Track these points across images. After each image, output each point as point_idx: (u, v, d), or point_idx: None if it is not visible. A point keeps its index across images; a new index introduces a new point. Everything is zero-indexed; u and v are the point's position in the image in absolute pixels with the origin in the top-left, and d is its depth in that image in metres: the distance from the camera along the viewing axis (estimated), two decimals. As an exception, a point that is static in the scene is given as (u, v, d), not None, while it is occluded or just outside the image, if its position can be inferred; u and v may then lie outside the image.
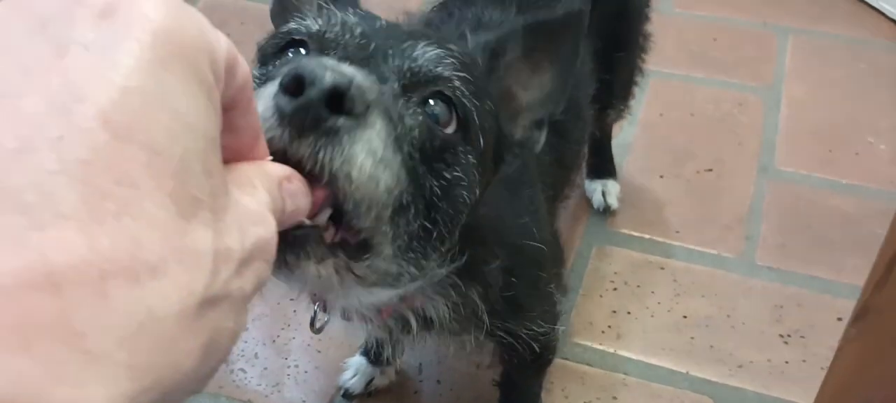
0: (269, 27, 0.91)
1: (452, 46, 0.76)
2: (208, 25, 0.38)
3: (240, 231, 0.37)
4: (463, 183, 0.75)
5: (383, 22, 0.78)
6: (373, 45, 0.72)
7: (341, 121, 0.58)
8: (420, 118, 0.70)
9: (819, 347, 1.49)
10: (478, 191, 0.79)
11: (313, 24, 0.73)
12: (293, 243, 0.61)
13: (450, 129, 0.73)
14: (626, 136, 1.94)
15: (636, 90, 1.62)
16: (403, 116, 0.68)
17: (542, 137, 0.91)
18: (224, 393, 1.44)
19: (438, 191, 0.72)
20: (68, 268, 0.30)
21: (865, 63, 2.18)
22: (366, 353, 1.43)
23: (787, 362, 1.48)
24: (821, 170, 1.87)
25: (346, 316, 0.94)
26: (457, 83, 0.73)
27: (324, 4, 0.83)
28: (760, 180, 1.85)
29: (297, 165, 0.54)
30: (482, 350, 1.12)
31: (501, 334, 1.05)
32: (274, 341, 1.52)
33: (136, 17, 0.35)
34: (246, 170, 0.43)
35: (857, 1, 2.36)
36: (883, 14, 2.32)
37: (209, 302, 0.34)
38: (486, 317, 0.94)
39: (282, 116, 0.57)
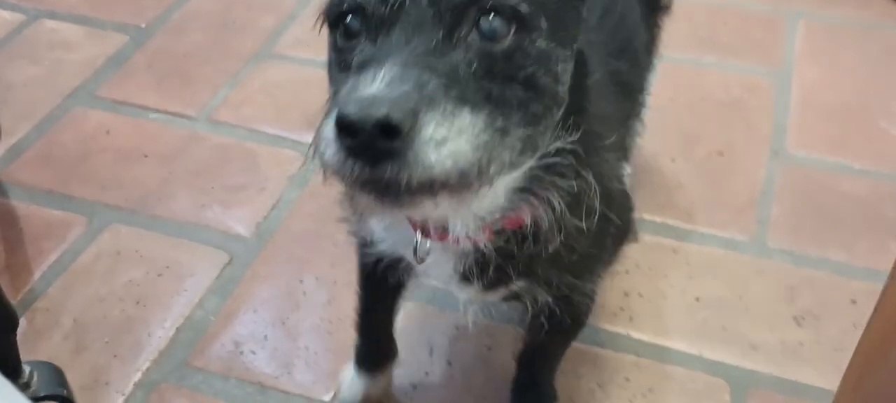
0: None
1: None
2: None
3: None
4: (543, 69, 0.77)
5: None
6: (408, 1, 0.73)
7: (397, 143, 0.64)
8: (474, 48, 0.73)
9: (832, 328, 1.48)
10: (567, 54, 0.80)
11: None
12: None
13: (510, 37, 0.75)
14: (636, 120, 1.92)
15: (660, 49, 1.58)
16: (457, 64, 0.71)
17: None
18: (234, 376, 1.43)
19: (521, 93, 0.75)
20: None
21: (877, 46, 2.16)
22: (359, 363, 1.37)
23: (800, 343, 1.47)
24: (832, 153, 1.86)
25: (447, 239, 0.91)
26: None
27: None
28: (772, 163, 1.83)
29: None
30: (526, 312, 1.08)
31: (564, 286, 1.03)
32: (284, 323, 1.51)
33: None
34: None
35: (868, -16, 2.35)
36: (894, -3, 2.31)
37: None
38: (597, 203, 0.89)
39: (349, 152, 0.66)
